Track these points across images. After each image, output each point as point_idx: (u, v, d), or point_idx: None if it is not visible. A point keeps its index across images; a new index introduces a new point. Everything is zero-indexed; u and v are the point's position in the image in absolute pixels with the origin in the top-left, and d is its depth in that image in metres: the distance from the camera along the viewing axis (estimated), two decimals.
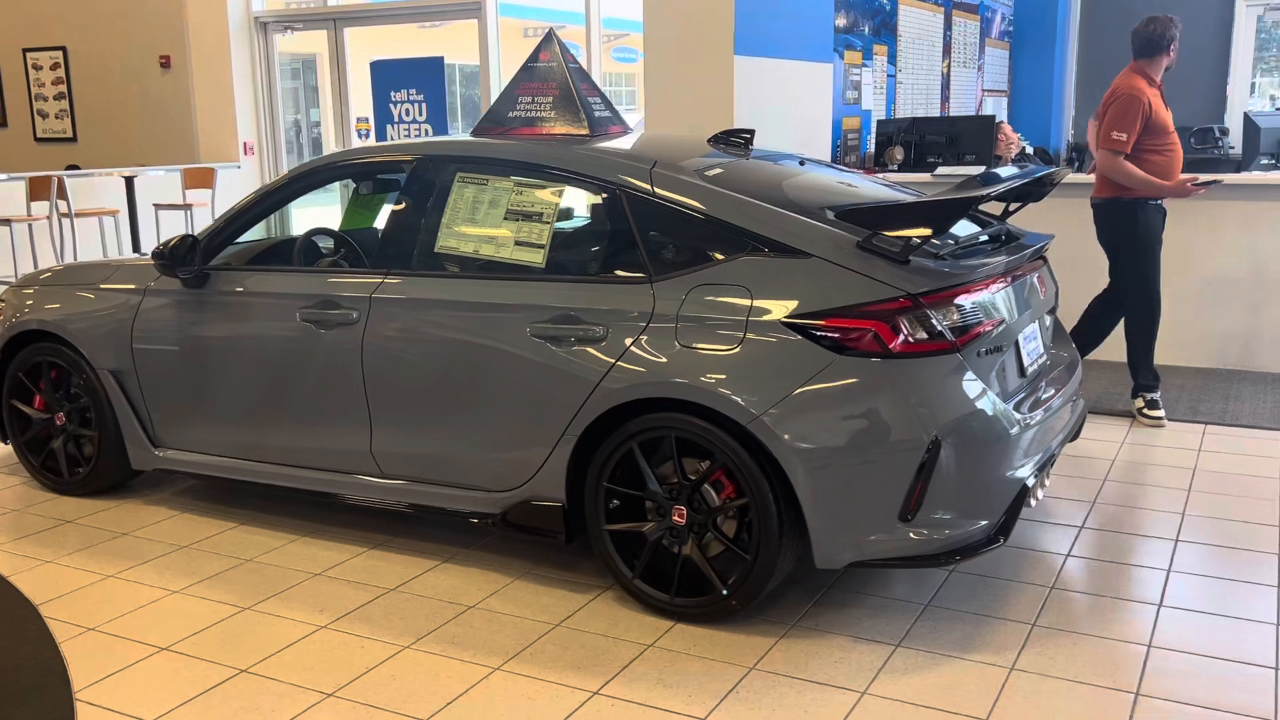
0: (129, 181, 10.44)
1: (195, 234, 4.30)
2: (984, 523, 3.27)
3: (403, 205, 4.00)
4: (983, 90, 11.39)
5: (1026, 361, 3.66)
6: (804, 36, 7.10)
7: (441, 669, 3.20)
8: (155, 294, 4.41)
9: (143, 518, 4.49)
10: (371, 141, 11.28)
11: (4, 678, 3.20)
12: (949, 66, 10.20)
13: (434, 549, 4.08)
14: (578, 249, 3.94)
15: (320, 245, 4.69)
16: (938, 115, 9.39)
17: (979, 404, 3.22)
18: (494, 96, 10.97)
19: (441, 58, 10.85)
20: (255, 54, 11.73)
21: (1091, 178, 5.72)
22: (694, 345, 3.33)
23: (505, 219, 3.79)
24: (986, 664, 3.18)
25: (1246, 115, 6.76)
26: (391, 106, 11.08)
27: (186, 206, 10.69)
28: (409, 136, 10.95)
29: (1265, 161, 6.57)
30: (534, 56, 4.21)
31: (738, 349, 3.28)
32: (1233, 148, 7.79)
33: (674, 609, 3.47)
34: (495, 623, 3.49)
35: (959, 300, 3.26)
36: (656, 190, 3.56)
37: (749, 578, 3.34)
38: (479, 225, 3.83)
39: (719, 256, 3.42)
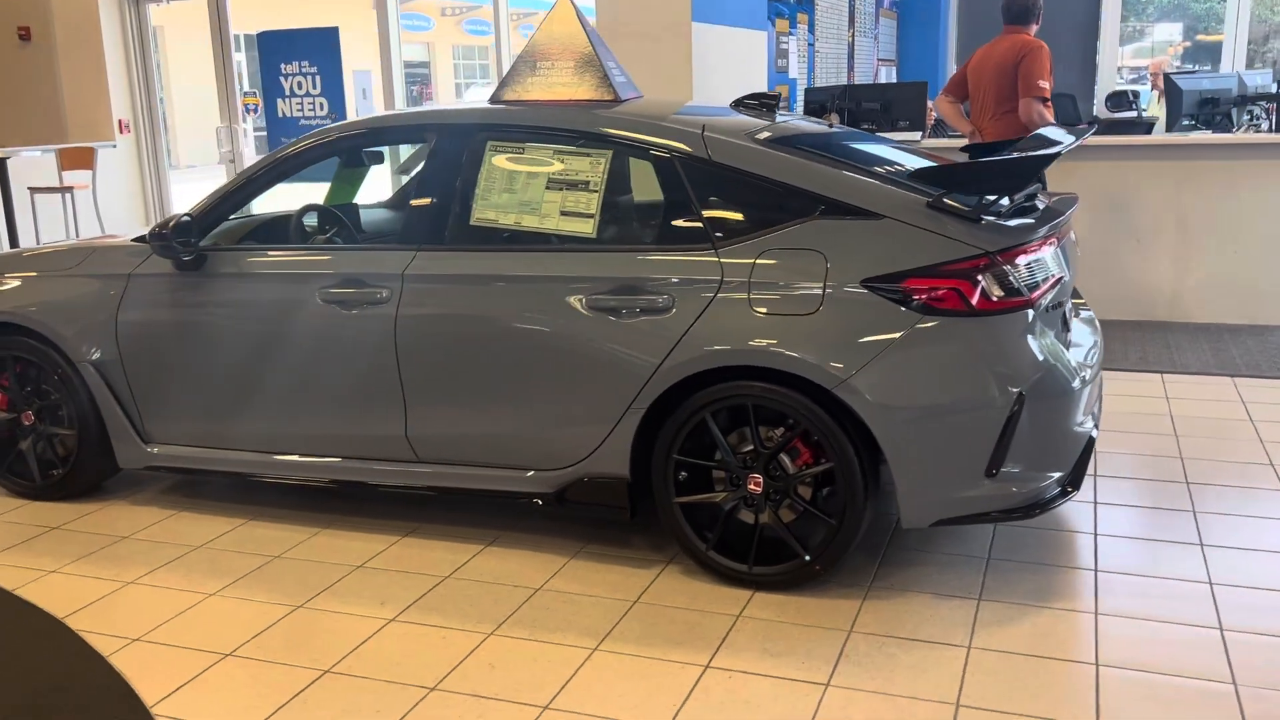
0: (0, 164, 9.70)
1: (190, 211, 4.02)
2: (1058, 474, 3.34)
3: (430, 177, 3.82)
4: (877, 59, 11.63)
5: (1068, 318, 3.75)
6: (745, 3, 7.09)
7: (538, 654, 3.09)
8: (142, 279, 4.10)
9: (136, 519, 4.19)
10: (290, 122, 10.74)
11: (58, 699, 2.94)
12: (854, 36, 10.37)
13: (470, 533, 3.94)
14: (630, 217, 3.84)
15: (311, 222, 4.44)
16: (871, 83, 9.53)
17: (1054, 358, 3.29)
18: (397, 72, 10.66)
19: (336, 28, 10.42)
20: (127, 24, 11.04)
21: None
22: (770, 311, 3.29)
23: (548, 188, 3.66)
24: (1071, 610, 3.26)
25: (1168, 77, 7.09)
26: (282, 80, 10.60)
27: (66, 189, 10.02)
28: (301, 111, 10.53)
29: (1186, 123, 6.91)
30: (549, 20, 4.06)
31: (817, 313, 3.25)
32: (1144, 109, 8.18)
33: (752, 578, 3.44)
34: (571, 604, 3.39)
35: (1030, 257, 3.31)
36: (713, 155, 3.49)
37: (833, 541, 3.33)
38: (518, 195, 3.68)
39: (786, 220, 3.38)
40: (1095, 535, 3.79)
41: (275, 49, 10.55)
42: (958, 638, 3.12)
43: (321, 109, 10.46)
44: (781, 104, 4.20)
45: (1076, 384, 3.34)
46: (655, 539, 3.83)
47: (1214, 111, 6.91)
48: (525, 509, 3.99)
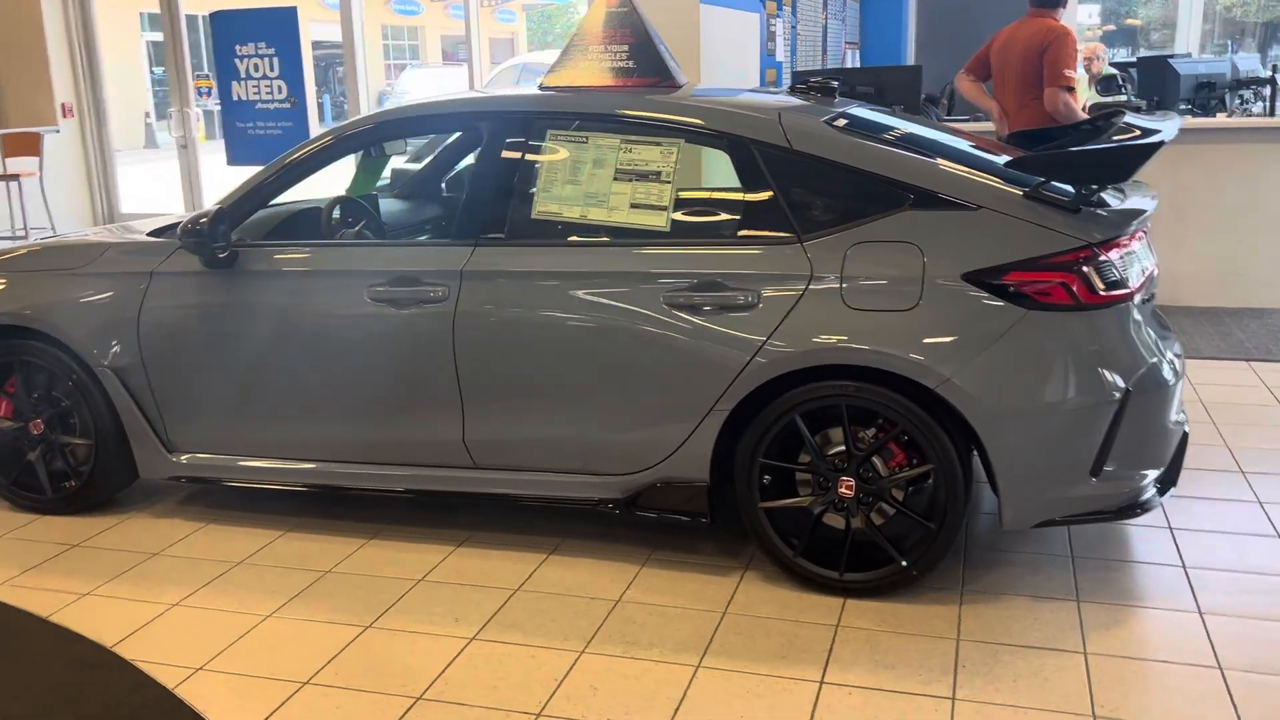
0: None
1: (222, 205, 3.75)
2: (1156, 472, 3.26)
3: (485, 168, 3.61)
4: (845, 42, 11.55)
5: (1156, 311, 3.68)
6: None
7: (639, 673, 2.93)
8: (165, 277, 3.83)
9: (163, 534, 3.93)
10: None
11: None
12: (827, 18, 10.27)
13: (528, 542, 3.75)
14: (706, 209, 3.67)
15: (343, 214, 4.19)
16: (862, 66, 9.42)
17: (1154, 352, 3.20)
18: (360, 58, 10.31)
19: (294, 8, 10.03)
20: (69, 5, 10.50)
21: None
22: (865, 307, 3.15)
23: (616, 179, 3.47)
24: (1175, 610, 3.19)
25: (1168, 62, 7.10)
26: (237, 62, 10.18)
27: (12, 177, 9.53)
28: (259, 94, 10.15)
29: (1183, 108, 6.93)
30: (600, 1, 3.87)
31: (915, 309, 3.12)
32: (1134, 94, 8.20)
33: (843, 585, 3.31)
34: (657, 616, 3.23)
35: (1128, 248, 3.21)
36: (793, 144, 3.33)
37: (932, 546, 3.21)
38: (583, 187, 3.49)
39: (875, 212, 3.24)
40: (1170, 529, 3.73)
41: (229, 30, 10.13)
42: (1070, 642, 3.02)
43: (280, 92, 10.09)
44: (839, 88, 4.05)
45: (1173, 378, 3.26)
46: (724, 544, 3.69)
47: (1209, 96, 6.94)
48: (582, 515, 3.82)
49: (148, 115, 26.17)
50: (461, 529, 3.87)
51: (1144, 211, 3.31)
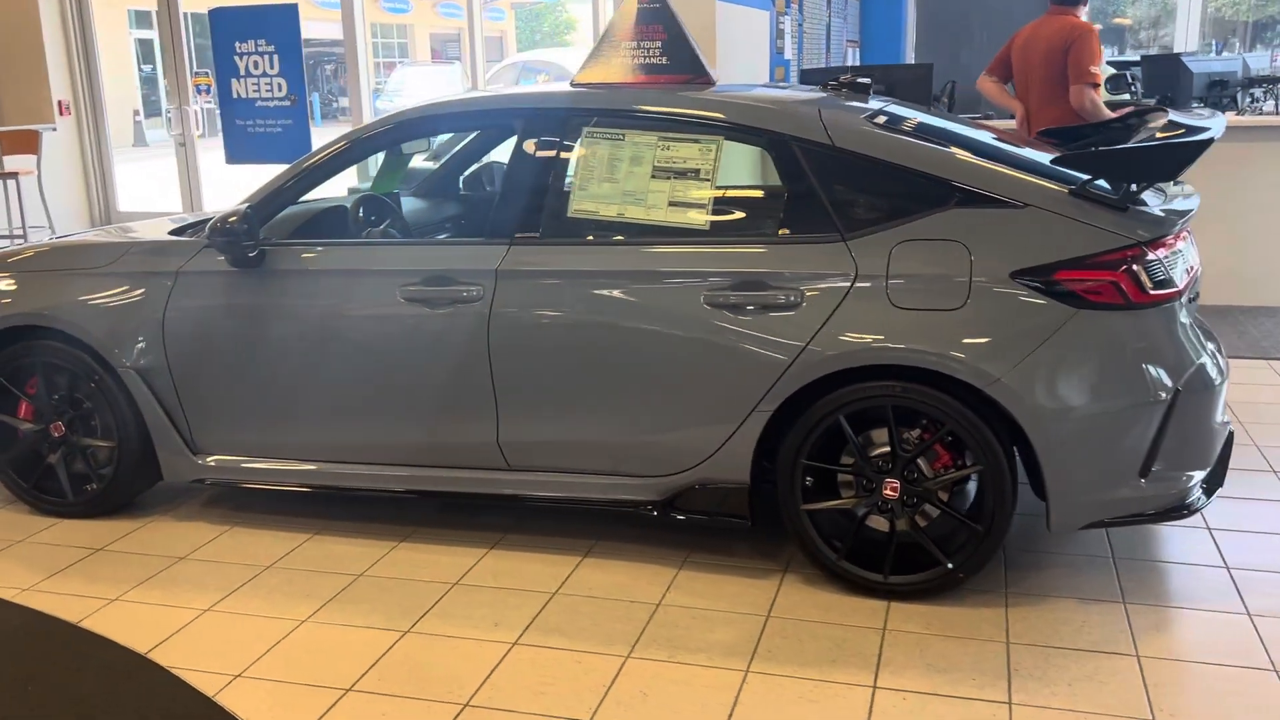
0: None
1: (250, 202, 3.69)
2: (1202, 473, 3.23)
3: (519, 165, 3.55)
4: (846, 40, 11.53)
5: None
6: None
7: (688, 678, 2.89)
8: (192, 276, 3.77)
9: (189, 537, 3.86)
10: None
11: None
12: (830, 16, 10.25)
13: (561, 544, 3.70)
14: (747, 207, 3.63)
15: (369, 213, 4.14)
16: (873, 64, 9.39)
17: (1201, 351, 3.17)
18: (362, 56, 10.22)
19: (295, 5, 9.95)
20: (66, 2, 10.39)
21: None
22: (912, 306, 3.11)
23: (654, 177, 3.43)
24: (1223, 612, 3.16)
25: (1180, 59, 7.09)
26: (237, 59, 10.09)
27: (10, 175, 9.41)
28: (258, 91, 10.07)
29: (1195, 106, 6.91)
30: None
31: (963, 309, 3.08)
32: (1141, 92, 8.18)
33: (887, 588, 3.27)
34: (700, 620, 3.18)
35: (1175, 246, 3.18)
36: (835, 141, 3.29)
37: (980, 548, 3.18)
38: (621, 185, 3.45)
39: (920, 210, 3.20)
40: (1209, 530, 3.70)
41: (229, 27, 10.04)
42: (1121, 645, 2.99)
43: (280, 90, 10.00)
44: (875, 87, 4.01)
45: (1219, 377, 3.23)
46: (759, 546, 3.64)
47: (1222, 94, 6.92)
48: (615, 517, 3.77)
49: (137, 113, 25.98)
50: (493, 531, 3.81)
51: (1190, 210, 3.29)
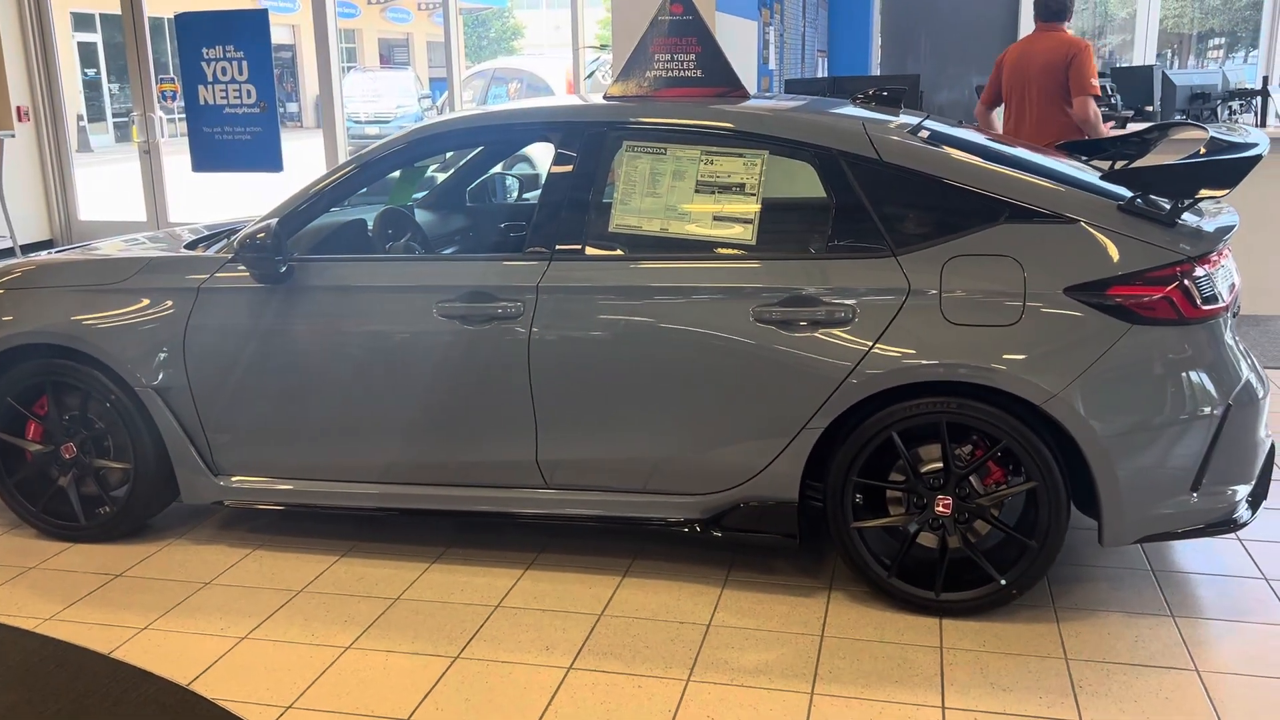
0: None
1: (278, 216, 3.59)
2: (1248, 487, 3.26)
3: (558, 180, 3.49)
4: (817, 50, 11.57)
5: None
6: None
7: (754, 701, 2.84)
8: (214, 292, 3.66)
9: (210, 561, 3.74)
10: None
11: None
12: (805, 26, 10.29)
13: (596, 563, 3.64)
14: (793, 222, 3.59)
15: (393, 227, 4.05)
16: (862, 75, 9.42)
17: (1247, 366, 3.20)
18: (335, 62, 10.05)
19: (265, 10, 9.80)
20: (25, 6, 10.12)
21: None
22: (966, 322, 3.11)
23: (697, 192, 3.39)
24: (1273, 624, 3.18)
25: (1164, 73, 7.20)
26: (204, 65, 9.90)
27: None
28: (226, 99, 9.87)
29: (1178, 118, 7.02)
30: (663, 9, 3.78)
31: (1018, 324, 3.08)
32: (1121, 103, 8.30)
33: (939, 605, 3.25)
34: (754, 641, 3.14)
35: (1220, 262, 3.20)
36: (883, 155, 3.28)
37: (1033, 565, 3.17)
38: (663, 200, 3.40)
39: (970, 226, 3.19)
40: (1240, 540, 3.74)
41: (196, 32, 9.84)
42: (1179, 659, 3.00)
43: (249, 96, 9.82)
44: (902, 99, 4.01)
45: (1263, 391, 3.26)
46: (800, 563, 3.61)
47: (1203, 106, 7.04)
48: (650, 534, 3.72)
49: (80, 118, 25.43)
50: (525, 551, 3.74)
51: (1233, 226, 3.31)
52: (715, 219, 3.36)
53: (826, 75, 10.48)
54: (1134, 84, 8.08)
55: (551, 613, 3.33)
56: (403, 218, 4.17)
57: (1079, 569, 3.54)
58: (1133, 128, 7.27)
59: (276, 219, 3.56)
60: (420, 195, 4.81)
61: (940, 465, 3.21)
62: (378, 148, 3.70)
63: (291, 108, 32.58)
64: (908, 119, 3.62)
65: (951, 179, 3.23)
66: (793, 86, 7.95)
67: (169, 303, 3.68)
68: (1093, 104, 5.56)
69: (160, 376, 3.67)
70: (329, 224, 3.99)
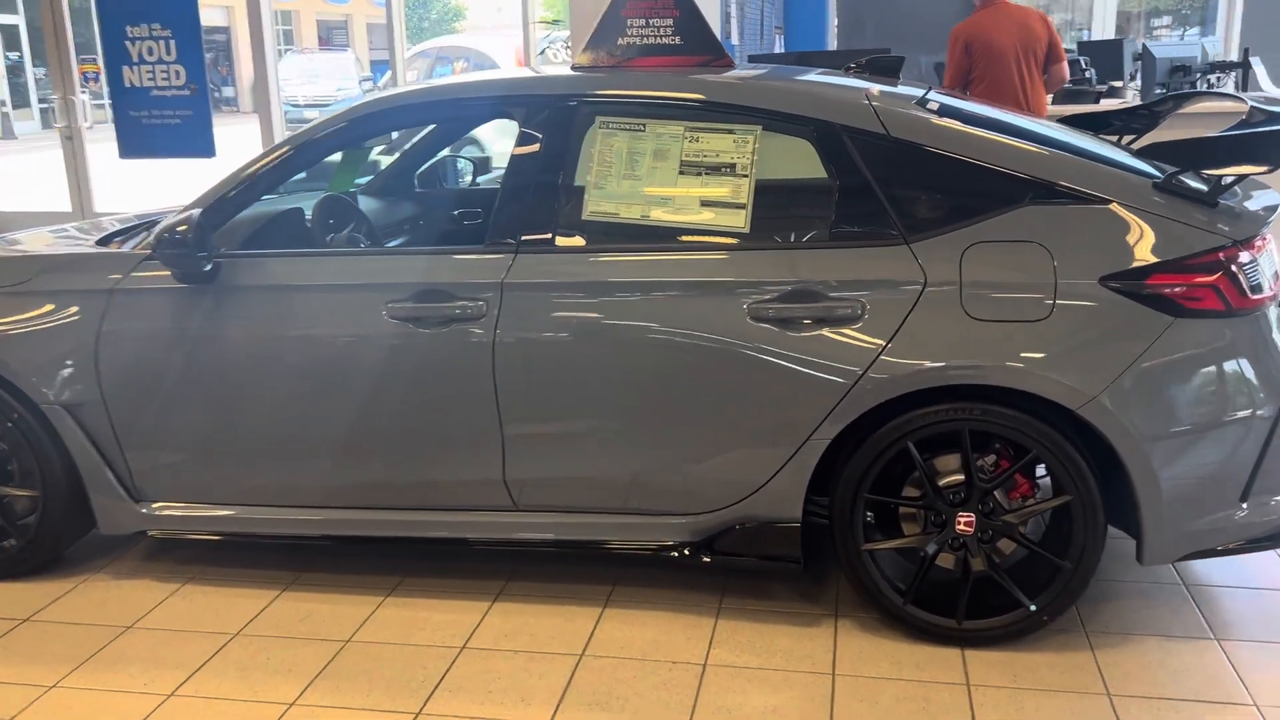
0: None
1: (201, 207, 3.14)
2: None
3: (522, 162, 3.08)
4: (775, 27, 11.22)
5: None
6: None
7: None
8: (130, 295, 3.20)
9: (134, 600, 3.30)
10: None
11: None
12: (764, 1, 9.92)
13: (573, 592, 3.25)
14: (791, 207, 3.20)
15: (330, 216, 3.61)
16: (824, 50, 9.06)
17: None
18: (270, 43, 9.49)
19: None
20: None
21: None
22: (990, 318, 2.75)
23: (682, 173, 2.99)
24: None
25: (1145, 46, 6.92)
26: (128, 45, 9.29)
27: None
28: (153, 80, 9.30)
29: (1159, 92, 6.74)
30: None
31: (1048, 320, 2.73)
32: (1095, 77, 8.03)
33: (960, 635, 2.90)
34: (758, 682, 2.77)
35: (1263, 247, 2.88)
36: (891, 131, 2.91)
37: (1067, 588, 2.84)
38: (643, 183, 3.01)
39: (991, 208, 2.83)
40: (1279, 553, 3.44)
41: (118, 9, 9.23)
42: (1234, 693, 2.68)
43: (178, 78, 9.25)
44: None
45: None
46: (799, 586, 3.25)
47: (1184, 80, 6.77)
48: (629, 559, 3.33)
49: (2, 104, 24.43)
50: (491, 579, 3.34)
51: (1278, 206, 2.98)
52: (703, 204, 2.97)
53: (791, 50, 10.11)
54: (1104, 58, 7.82)
55: (526, 654, 2.93)
56: (345, 206, 3.73)
57: (1103, 584, 3.21)
58: (1107, 103, 7.01)
59: (200, 209, 3.11)
60: (364, 181, 4.37)
61: (961, 478, 2.86)
62: (316, 126, 3.26)
63: (227, 92, 31.68)
64: (911, 90, 3.25)
65: (968, 155, 2.87)
66: (757, 61, 7.57)
67: (76, 307, 3.22)
68: (1066, 68, 5.54)
69: (69, 392, 3.22)
70: (261, 214, 3.55)
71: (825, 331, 2.82)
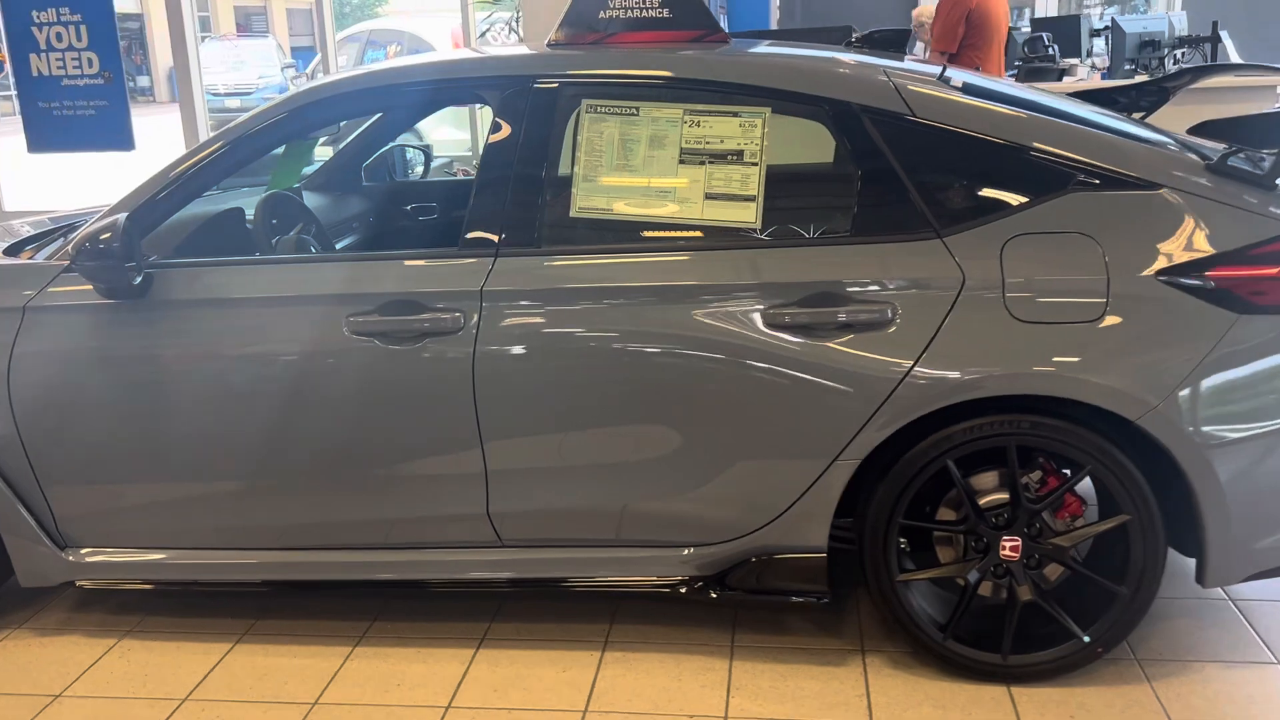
0: None
1: (127, 212, 2.72)
2: None
3: (500, 151, 2.71)
4: (719, 6, 10.89)
5: None
6: None
7: None
8: (46, 313, 2.78)
9: (63, 660, 2.89)
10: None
11: None
12: None
13: (566, 632, 2.91)
14: (806, 198, 2.87)
15: (275, 216, 3.21)
16: (797, 27, 8.76)
17: None
18: (190, 27, 8.91)
19: None
20: None
21: None
22: (1037, 319, 2.45)
23: (682, 162, 2.65)
24: None
25: (1115, 20, 6.70)
26: (35, 31, 8.68)
27: None
28: (64, 69, 8.72)
29: (1128, 67, 6.54)
30: None
31: (1102, 320, 2.44)
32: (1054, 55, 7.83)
33: (1006, 671, 2.61)
34: None
35: None
36: (917, 112, 2.59)
37: (1124, 616, 2.56)
38: (638, 174, 2.66)
39: (1032, 196, 2.53)
40: None
41: None
42: None
43: (91, 66, 8.67)
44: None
45: None
46: (815, 615, 2.94)
47: (1152, 55, 6.58)
48: (625, 593, 2.99)
49: None
50: (474, 619, 2.98)
51: None
52: (708, 197, 2.63)
53: (741, 30, 9.77)
54: (1060, 34, 7.62)
55: (521, 712, 2.58)
56: (291, 205, 3.33)
57: None
58: (1070, 82, 6.79)
59: (126, 213, 2.69)
60: (308, 173, 3.96)
61: (1005, 498, 2.56)
62: (252, 119, 2.85)
63: (143, 81, 30.59)
64: (928, 67, 2.94)
65: (1004, 138, 2.56)
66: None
67: None
68: None
69: None
70: (195, 216, 3.14)
71: (851, 339, 2.50)
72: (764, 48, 2.97)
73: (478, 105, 5.31)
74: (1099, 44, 8.10)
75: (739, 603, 2.72)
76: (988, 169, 2.57)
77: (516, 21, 7.38)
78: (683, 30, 2.96)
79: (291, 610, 3.05)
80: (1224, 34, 6.54)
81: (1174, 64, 6.82)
